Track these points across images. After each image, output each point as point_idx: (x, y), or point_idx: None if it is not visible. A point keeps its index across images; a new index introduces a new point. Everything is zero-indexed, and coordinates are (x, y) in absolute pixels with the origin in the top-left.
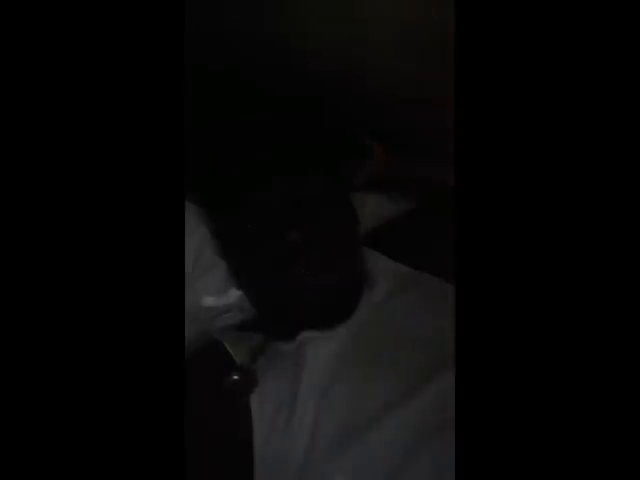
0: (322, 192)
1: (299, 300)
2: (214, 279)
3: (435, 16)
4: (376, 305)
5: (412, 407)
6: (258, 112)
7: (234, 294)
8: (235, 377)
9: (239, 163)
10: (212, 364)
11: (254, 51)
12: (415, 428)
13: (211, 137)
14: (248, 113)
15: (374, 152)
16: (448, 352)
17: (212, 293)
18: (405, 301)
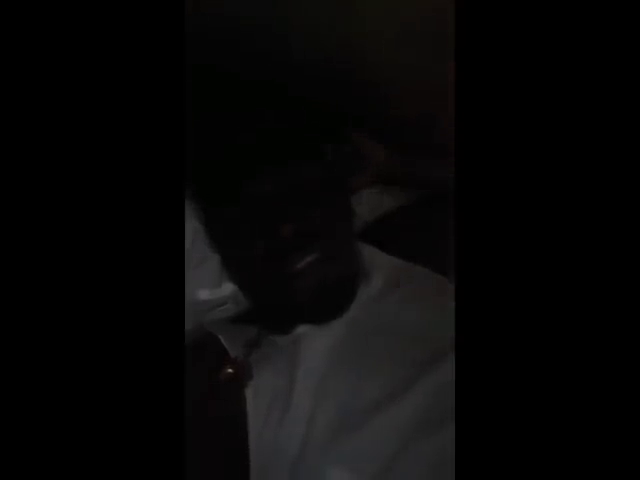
0: (318, 186)
1: (294, 294)
2: (209, 272)
3: (435, 8)
4: (372, 299)
5: (408, 400)
6: (254, 106)
7: (229, 287)
8: (230, 370)
9: (233, 157)
10: (207, 357)
11: (252, 42)
12: (411, 421)
13: (206, 131)
14: (244, 107)
15: (367, 150)
16: (444, 345)
17: (207, 286)
18: (401, 295)
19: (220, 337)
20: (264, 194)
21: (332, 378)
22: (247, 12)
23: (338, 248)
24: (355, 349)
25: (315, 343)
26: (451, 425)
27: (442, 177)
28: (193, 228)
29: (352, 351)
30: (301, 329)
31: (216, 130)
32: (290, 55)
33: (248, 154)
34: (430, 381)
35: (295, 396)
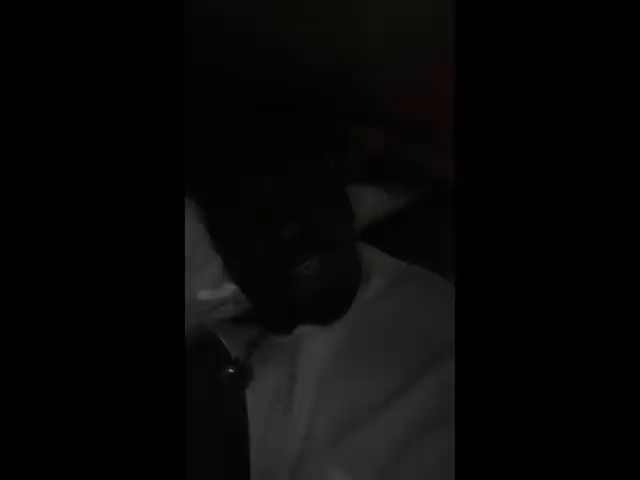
0: (318, 186)
1: (295, 295)
2: (210, 273)
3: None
4: (372, 300)
5: (409, 400)
6: (254, 107)
7: (230, 288)
8: (230, 371)
9: (234, 157)
10: (208, 357)
11: (252, 42)
12: (412, 421)
13: (206, 132)
14: (243, 108)
15: (368, 137)
16: (444, 345)
17: (208, 287)
18: (401, 295)
19: (221, 337)
20: (264, 195)
21: (333, 378)
22: (246, 13)
23: (339, 249)
24: (355, 349)
25: (316, 343)
26: (453, 425)
27: (443, 171)
28: (195, 229)
29: (352, 351)
30: (302, 329)
31: (217, 130)
32: (289, 55)
33: (248, 154)
34: (431, 381)
35: (296, 396)
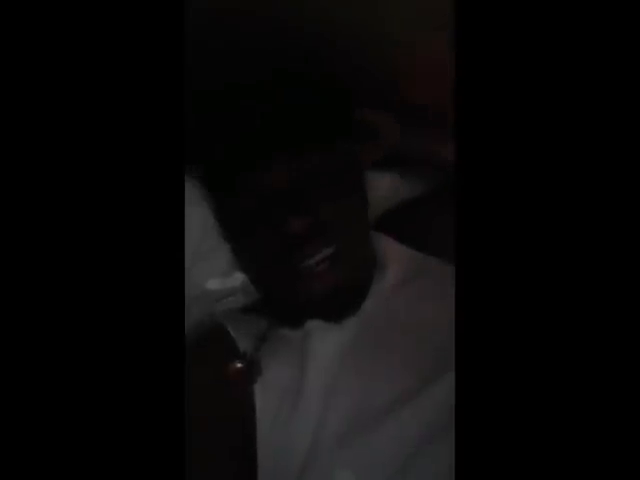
0: (332, 177)
1: (306, 290)
2: (219, 262)
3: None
4: (386, 294)
5: (421, 399)
6: (264, 93)
7: (239, 277)
8: (238, 365)
9: (245, 144)
10: (215, 351)
11: (256, 32)
12: (423, 420)
13: (213, 120)
14: (252, 96)
15: (383, 125)
16: None
17: (217, 276)
18: (416, 289)
19: (230, 329)
20: (276, 185)
21: (343, 375)
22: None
23: (352, 241)
24: (368, 346)
25: (326, 339)
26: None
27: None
28: (205, 218)
29: (364, 349)
30: (312, 324)
31: (230, 120)
32: (307, 44)
33: (262, 145)
34: (446, 379)
35: (305, 392)
